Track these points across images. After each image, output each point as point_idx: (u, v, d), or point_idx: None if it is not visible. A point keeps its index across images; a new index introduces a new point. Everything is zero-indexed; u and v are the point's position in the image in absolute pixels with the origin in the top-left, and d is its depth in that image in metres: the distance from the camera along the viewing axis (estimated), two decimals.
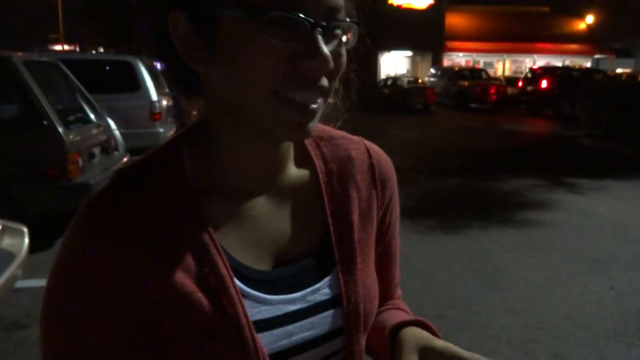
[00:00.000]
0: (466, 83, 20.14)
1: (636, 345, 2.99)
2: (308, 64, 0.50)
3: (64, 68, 5.15)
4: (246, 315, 0.54)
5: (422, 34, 26.08)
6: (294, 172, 0.63)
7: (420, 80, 21.34)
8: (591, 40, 31.14)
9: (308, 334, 0.58)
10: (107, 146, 4.90)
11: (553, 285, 3.82)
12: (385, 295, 0.74)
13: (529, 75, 18.57)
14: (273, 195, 0.61)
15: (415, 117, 17.15)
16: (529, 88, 17.72)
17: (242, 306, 0.54)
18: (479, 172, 8.15)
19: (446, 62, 28.97)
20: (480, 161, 9.27)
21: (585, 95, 12.49)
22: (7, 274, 2.33)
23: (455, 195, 6.76)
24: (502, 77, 24.27)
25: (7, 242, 2.55)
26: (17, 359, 2.63)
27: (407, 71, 28.86)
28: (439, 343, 0.59)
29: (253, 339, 0.53)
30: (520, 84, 19.20)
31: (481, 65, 28.53)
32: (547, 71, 18.14)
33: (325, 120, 0.62)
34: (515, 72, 29.68)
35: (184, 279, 0.52)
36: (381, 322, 0.70)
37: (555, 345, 2.94)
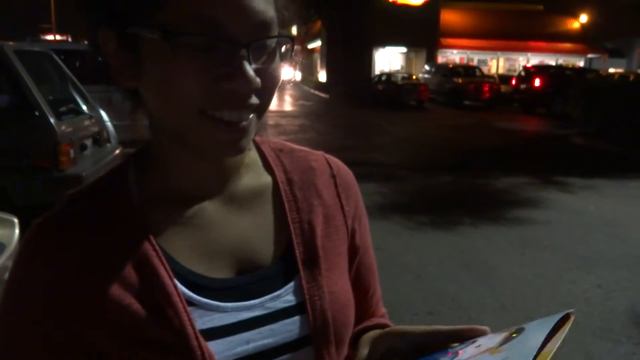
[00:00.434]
0: (460, 80, 20.17)
1: (622, 342, 3.03)
2: (231, 86, 0.49)
3: (56, 58, 5.10)
4: (192, 324, 0.53)
5: (417, 30, 26.09)
6: (251, 181, 0.63)
7: (414, 77, 21.36)
8: (584, 39, 31.32)
9: (268, 341, 0.57)
10: (99, 138, 4.87)
11: (542, 283, 3.86)
12: (367, 312, 0.73)
13: (523, 73, 18.64)
14: (227, 204, 0.61)
15: (408, 114, 17.18)
16: (523, 86, 17.79)
17: (188, 315, 0.53)
18: (471, 169, 8.20)
19: (440, 59, 29.00)
20: (473, 158, 9.31)
21: (578, 94, 12.58)
22: None
23: (447, 192, 6.80)
24: (495, 75, 24.33)
25: None
26: None
27: (402, 67, 28.87)
28: (397, 328, 0.58)
29: (201, 347, 0.52)
30: (513, 82, 19.26)
31: (475, 63, 28.60)
32: (540, 70, 18.22)
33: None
34: (509, 70, 29.79)
35: (122, 291, 0.52)
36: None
37: None
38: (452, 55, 30.60)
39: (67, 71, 5.11)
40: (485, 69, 26.65)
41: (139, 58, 0.51)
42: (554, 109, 15.87)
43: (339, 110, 18.31)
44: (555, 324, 0.45)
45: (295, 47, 0.57)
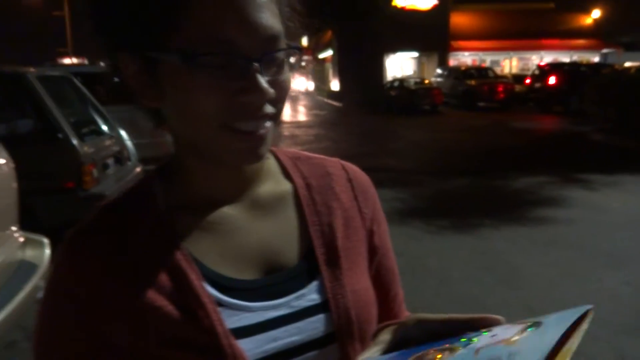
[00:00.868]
0: (473, 82, 20.06)
1: None
2: (248, 99, 0.53)
3: (76, 81, 5.23)
4: (222, 324, 0.55)
5: (428, 34, 26.03)
6: (271, 187, 0.66)
7: (426, 81, 21.30)
8: (598, 34, 30.89)
9: (295, 338, 0.59)
10: (120, 156, 4.97)
11: (568, 282, 3.81)
12: (390, 313, 0.74)
13: (537, 72, 18.47)
14: (249, 210, 0.64)
15: (422, 118, 17.13)
16: (537, 85, 17.62)
17: (217, 315, 0.56)
18: (489, 171, 8.14)
19: (452, 62, 28.87)
20: (490, 160, 9.24)
21: (594, 90, 12.42)
22: (30, 285, 2.38)
23: (466, 195, 6.75)
24: (509, 75, 24.13)
25: (29, 253, 2.61)
26: None
27: (414, 72, 28.82)
28: (413, 316, 0.59)
29: (231, 345, 0.55)
30: (528, 81, 19.09)
31: (488, 64, 28.40)
32: (554, 67, 18.03)
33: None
34: (523, 69, 29.48)
35: (155, 294, 0.55)
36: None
37: None
38: (463, 58, 30.44)
39: (87, 93, 5.24)
40: (498, 70, 26.45)
41: (159, 79, 0.55)
42: (570, 107, 15.67)
43: (353, 118, 18.33)
44: (575, 321, 0.44)
45: (306, 56, 0.60)
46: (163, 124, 0.62)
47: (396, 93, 20.36)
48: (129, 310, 0.55)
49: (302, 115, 19.93)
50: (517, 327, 0.48)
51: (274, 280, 0.61)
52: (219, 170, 0.61)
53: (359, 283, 0.65)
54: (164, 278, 0.56)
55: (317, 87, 32.71)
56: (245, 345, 0.56)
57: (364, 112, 19.62)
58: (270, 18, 0.54)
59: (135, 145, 5.64)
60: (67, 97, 5.03)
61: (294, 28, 0.60)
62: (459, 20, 29.15)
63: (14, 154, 2.70)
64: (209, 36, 0.51)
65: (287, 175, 0.69)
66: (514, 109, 18.68)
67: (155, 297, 0.55)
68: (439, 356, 0.48)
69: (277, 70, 0.56)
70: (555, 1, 31.40)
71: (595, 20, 31.68)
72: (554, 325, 0.45)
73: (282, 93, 0.57)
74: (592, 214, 5.57)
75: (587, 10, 31.43)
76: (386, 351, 0.57)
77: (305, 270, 0.63)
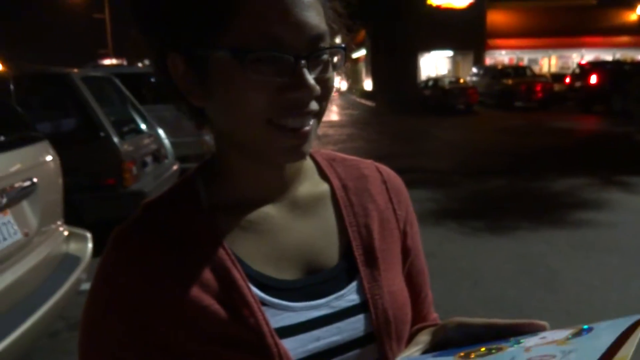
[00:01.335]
0: (510, 81, 19.62)
1: None
2: (294, 95, 0.54)
3: (117, 82, 5.39)
4: (267, 323, 0.56)
5: (463, 33, 25.60)
6: (310, 188, 0.67)
7: (461, 80, 20.96)
8: None
9: (336, 338, 0.60)
10: (158, 155, 5.10)
11: (609, 287, 3.68)
12: (420, 314, 0.75)
13: (577, 70, 17.92)
14: (289, 210, 0.65)
15: (457, 118, 16.87)
16: (578, 84, 17.09)
17: (263, 314, 0.56)
18: (526, 172, 7.94)
19: (488, 61, 28.30)
20: (528, 161, 9.02)
21: (638, 89, 11.95)
22: (74, 277, 2.48)
23: (502, 196, 6.61)
24: (548, 74, 23.52)
25: (73, 247, 2.71)
26: None
27: (448, 71, 28.41)
28: (455, 319, 0.59)
29: (276, 344, 0.55)
30: (567, 80, 18.54)
31: (525, 62, 27.72)
32: (596, 66, 17.45)
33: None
34: (562, 68, 28.62)
35: (201, 293, 0.56)
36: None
37: None
38: (500, 56, 29.79)
39: (127, 93, 5.40)
40: (536, 69, 25.78)
41: (207, 78, 0.56)
42: (613, 106, 15.13)
43: (386, 117, 18.22)
44: (627, 329, 0.44)
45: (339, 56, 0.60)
46: (205, 124, 0.63)
47: (430, 92, 20.12)
48: (175, 307, 0.56)
49: (334, 115, 19.94)
50: (567, 331, 0.48)
51: (314, 281, 0.62)
52: (261, 169, 0.62)
53: (395, 284, 0.66)
54: (209, 276, 0.57)
55: (349, 87, 32.72)
56: (289, 344, 0.57)
57: (397, 111, 19.47)
58: (316, 17, 0.55)
59: (172, 143, 5.77)
60: (108, 96, 5.20)
61: (337, 29, 0.60)
62: (496, 18, 28.54)
63: (57, 151, 2.81)
64: (258, 33, 0.52)
65: (323, 176, 0.70)
66: (553, 108, 18.17)
67: (201, 296, 0.56)
68: (483, 349, 0.48)
69: (322, 69, 0.57)
70: None
71: None
72: (607, 330, 0.44)
73: (326, 91, 0.58)
74: (635, 217, 5.37)
75: (631, 6, 30.23)
76: (426, 352, 0.57)
77: (344, 270, 0.64)
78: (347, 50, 0.59)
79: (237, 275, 0.58)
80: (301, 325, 0.59)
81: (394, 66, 24.13)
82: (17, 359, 2.24)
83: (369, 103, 25.63)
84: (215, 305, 0.56)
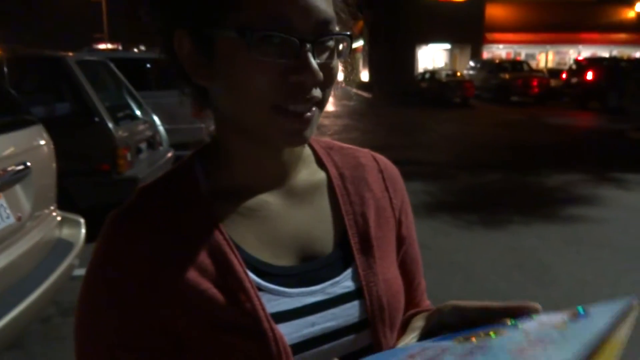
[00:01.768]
0: (507, 75, 19.63)
1: None
2: (298, 78, 0.54)
3: (112, 66, 5.34)
4: (263, 308, 0.56)
5: (461, 26, 25.56)
6: (307, 176, 0.67)
7: (459, 73, 20.95)
8: None
9: (330, 324, 0.60)
10: (153, 141, 5.06)
11: (600, 282, 3.72)
12: (413, 301, 0.75)
13: (574, 66, 17.95)
14: (287, 197, 0.65)
15: (453, 111, 16.87)
16: (574, 80, 17.12)
17: (259, 299, 0.57)
18: (521, 167, 7.97)
19: (486, 55, 28.29)
20: (522, 155, 9.05)
21: (635, 86, 11.99)
22: (66, 263, 2.46)
23: (496, 191, 6.64)
24: (544, 69, 23.52)
25: (66, 232, 2.69)
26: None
27: (445, 64, 28.36)
28: (450, 303, 0.59)
29: (272, 329, 0.56)
30: (564, 75, 18.57)
31: (523, 57, 27.73)
32: (593, 62, 17.50)
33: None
34: (559, 63, 28.69)
35: (198, 276, 0.56)
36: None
37: None
38: (498, 51, 29.77)
39: (122, 78, 5.35)
40: (533, 64, 25.79)
41: (213, 58, 0.56)
42: (608, 103, 15.19)
43: (383, 109, 18.19)
44: (622, 312, 0.44)
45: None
46: (207, 106, 0.63)
47: (427, 85, 20.10)
48: (174, 289, 0.56)
49: (330, 105, 19.90)
50: (564, 315, 0.48)
51: (309, 268, 0.62)
52: (260, 155, 0.62)
53: (389, 272, 0.67)
54: (206, 261, 0.57)
55: (346, 77, 32.55)
56: (284, 329, 0.57)
57: (394, 103, 19.45)
58: (324, 2, 0.55)
59: (167, 130, 5.73)
60: (103, 81, 5.15)
61: (344, 18, 0.60)
62: (494, 11, 28.47)
63: (51, 136, 2.78)
64: (266, 14, 0.52)
65: (321, 164, 0.70)
66: (549, 104, 18.21)
67: (198, 279, 0.56)
68: (482, 334, 0.48)
69: (327, 56, 0.57)
70: None
71: (638, 13, 30.49)
72: (602, 315, 0.45)
73: (330, 79, 0.58)
74: (627, 213, 5.41)
75: (630, 3, 30.25)
76: (422, 337, 0.57)
77: (340, 258, 0.64)
78: (352, 38, 0.59)
79: (234, 260, 0.58)
80: (297, 310, 0.59)
81: (391, 58, 24.08)
82: (8, 343, 2.24)
83: (365, 94, 25.57)
84: (212, 289, 0.56)
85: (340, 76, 0.62)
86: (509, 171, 7.68)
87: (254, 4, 0.52)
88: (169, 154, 5.38)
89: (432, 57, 29.07)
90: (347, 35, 0.58)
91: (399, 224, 0.72)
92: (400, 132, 12.20)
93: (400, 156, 7.69)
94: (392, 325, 0.65)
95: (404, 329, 0.67)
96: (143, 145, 4.78)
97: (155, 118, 5.47)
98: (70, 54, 4.73)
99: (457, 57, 28.80)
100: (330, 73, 0.57)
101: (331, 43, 0.57)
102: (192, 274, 0.56)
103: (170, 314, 0.56)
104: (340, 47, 0.58)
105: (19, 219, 2.31)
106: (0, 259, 2.13)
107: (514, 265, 4.07)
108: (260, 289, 0.58)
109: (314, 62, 0.54)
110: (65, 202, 3.56)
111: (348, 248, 0.65)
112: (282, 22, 0.52)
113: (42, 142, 2.68)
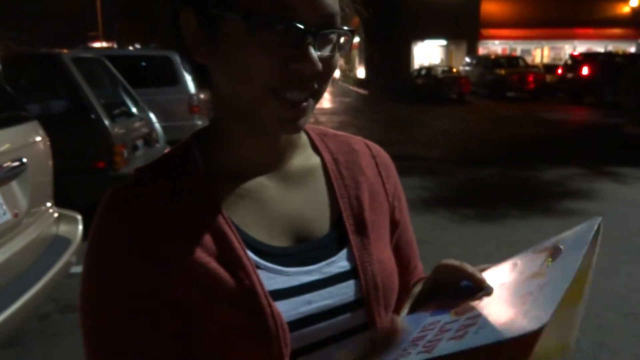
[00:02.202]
0: (503, 71, 19.65)
1: None
2: (297, 67, 0.55)
3: (108, 64, 5.32)
4: (262, 285, 0.58)
5: (457, 22, 25.55)
6: (302, 161, 0.69)
7: (454, 70, 20.96)
8: (636, 23, 29.79)
9: (327, 302, 0.62)
10: (149, 138, 5.06)
11: (597, 275, 3.64)
12: (409, 285, 0.76)
13: (569, 62, 17.98)
14: (282, 181, 0.66)
15: (450, 107, 16.89)
16: (569, 75, 17.16)
17: (257, 276, 0.58)
18: (517, 162, 8.00)
19: (482, 51, 28.30)
20: (519, 150, 9.07)
21: (630, 81, 12.04)
22: (64, 259, 2.46)
23: (493, 185, 6.66)
24: (540, 65, 23.57)
25: (63, 228, 2.69)
26: (72, 338, 2.79)
27: (441, 61, 28.37)
28: (440, 262, 0.61)
29: (270, 306, 0.57)
30: (559, 71, 18.61)
31: (518, 53, 27.76)
32: (588, 57, 17.51)
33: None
34: (555, 59, 28.73)
35: (199, 251, 0.57)
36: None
37: (600, 334, 2.89)
38: (493, 46, 29.80)
39: (118, 75, 5.33)
40: (529, 59, 25.82)
41: (216, 38, 0.57)
42: (603, 98, 15.23)
43: (379, 105, 18.19)
44: (592, 238, 0.49)
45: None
46: (206, 85, 0.64)
47: (423, 81, 20.10)
48: (175, 262, 0.56)
49: (326, 102, 19.88)
50: (540, 257, 0.53)
51: (305, 248, 0.64)
52: (257, 138, 0.63)
53: (383, 253, 0.69)
54: (207, 238, 0.58)
55: (342, 74, 32.55)
56: (282, 306, 0.59)
57: (390, 100, 19.45)
58: None
59: (164, 127, 5.73)
60: (99, 78, 5.13)
61: (349, 15, 0.61)
62: (490, 7, 28.48)
63: (47, 133, 2.77)
64: (273, 1, 0.53)
65: (315, 150, 0.72)
66: (545, 99, 18.25)
67: (200, 254, 0.57)
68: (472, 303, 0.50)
69: (329, 49, 0.58)
70: None
71: (633, 9, 30.55)
72: (573, 247, 0.49)
73: (328, 71, 0.59)
74: (623, 207, 5.43)
75: None
76: (420, 300, 0.60)
77: (335, 239, 0.66)
78: (354, 35, 0.60)
79: (233, 238, 0.59)
80: (294, 288, 0.60)
81: (388, 54, 24.04)
82: (6, 340, 2.23)
83: (361, 91, 25.55)
84: (213, 263, 0.57)
85: (337, 73, 0.63)
86: (506, 166, 7.70)
87: None
88: (166, 151, 5.37)
89: (428, 53, 29.07)
90: (350, 30, 0.59)
91: (392, 208, 0.74)
92: (397, 128, 12.21)
93: (397, 152, 7.67)
94: (386, 304, 0.66)
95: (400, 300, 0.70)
96: (139, 142, 4.77)
97: (152, 115, 5.46)
98: (66, 51, 4.72)
99: (453, 54, 28.81)
100: (329, 66, 0.59)
101: (333, 37, 0.58)
102: (193, 248, 0.57)
103: (174, 286, 0.56)
104: (342, 41, 0.60)
105: (15, 215, 2.31)
106: None
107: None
108: (258, 267, 0.59)
109: (314, 53, 0.55)
110: (63, 200, 3.56)
111: (343, 230, 0.67)
112: (288, 10, 0.54)
113: (38, 139, 2.67)
